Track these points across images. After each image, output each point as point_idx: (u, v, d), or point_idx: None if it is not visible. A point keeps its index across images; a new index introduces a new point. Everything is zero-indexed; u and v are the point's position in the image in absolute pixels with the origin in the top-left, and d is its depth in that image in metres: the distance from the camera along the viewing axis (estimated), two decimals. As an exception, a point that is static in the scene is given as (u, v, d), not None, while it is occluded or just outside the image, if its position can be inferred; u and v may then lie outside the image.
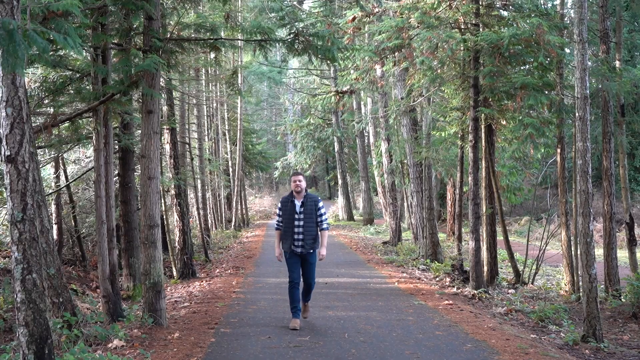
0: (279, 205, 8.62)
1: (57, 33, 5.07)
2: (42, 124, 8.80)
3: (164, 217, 15.24)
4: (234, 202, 28.92)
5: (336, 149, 34.52)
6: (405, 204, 25.24)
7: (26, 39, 4.52)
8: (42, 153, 13.42)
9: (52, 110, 10.55)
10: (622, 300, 11.38)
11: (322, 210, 8.50)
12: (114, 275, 9.21)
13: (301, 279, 8.62)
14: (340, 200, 37.52)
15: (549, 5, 15.41)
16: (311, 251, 8.41)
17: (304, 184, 8.48)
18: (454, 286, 12.55)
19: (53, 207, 14.73)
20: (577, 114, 8.52)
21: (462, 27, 12.68)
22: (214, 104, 27.59)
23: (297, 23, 9.64)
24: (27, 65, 8.96)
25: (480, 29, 12.35)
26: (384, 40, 12.88)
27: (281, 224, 8.56)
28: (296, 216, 8.37)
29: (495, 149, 14.49)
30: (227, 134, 31.01)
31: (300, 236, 8.33)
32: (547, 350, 7.36)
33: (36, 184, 5.34)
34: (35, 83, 10.34)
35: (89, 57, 9.77)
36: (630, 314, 10.40)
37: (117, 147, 12.51)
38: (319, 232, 8.48)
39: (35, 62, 8.20)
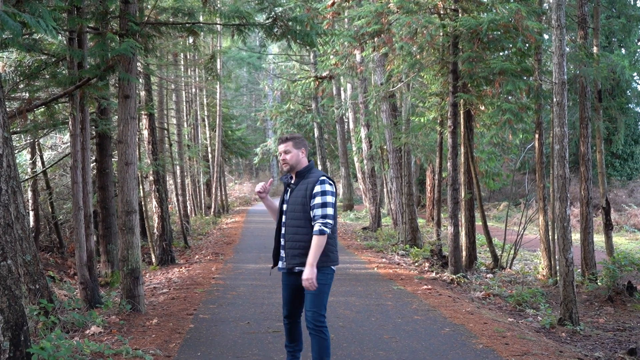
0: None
1: (30, 16, 4.98)
2: (17, 109, 8.68)
3: (143, 203, 15.14)
4: (214, 189, 28.83)
5: (316, 135, 34.44)
6: (385, 190, 25.32)
7: (-2, 21, 4.43)
8: (17, 138, 13.26)
9: (27, 95, 10.40)
10: (598, 284, 11.52)
11: (320, 199, 5.02)
12: (92, 261, 9.13)
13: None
14: (319, 186, 37.39)
15: (528, -9, 15.43)
16: (296, 270, 5.15)
17: (295, 156, 5.20)
18: (432, 271, 12.62)
19: (30, 194, 14.58)
20: (554, 100, 8.56)
21: (442, 12, 12.67)
22: (193, 90, 27.40)
23: (276, 8, 9.57)
24: (0, 49, 8.83)
25: (460, 14, 12.35)
26: (364, 25, 12.85)
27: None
28: (283, 208, 5.29)
29: (474, 135, 14.55)
30: (206, 119, 30.85)
31: (282, 241, 5.27)
32: (524, 334, 7.43)
33: (11, 169, 5.26)
34: (10, 67, 10.17)
35: (64, 41, 9.63)
36: (606, 297, 10.53)
37: (94, 132, 12.37)
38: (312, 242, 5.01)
39: (9, 45, 8.07)
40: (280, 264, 5.29)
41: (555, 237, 10.43)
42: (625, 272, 11.87)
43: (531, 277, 12.98)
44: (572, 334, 8.14)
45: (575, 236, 15.01)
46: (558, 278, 9.21)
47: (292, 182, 5.22)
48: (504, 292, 10.85)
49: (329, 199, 5.01)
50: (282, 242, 5.20)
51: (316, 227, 4.95)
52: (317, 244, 4.94)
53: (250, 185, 47.45)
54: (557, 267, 10.12)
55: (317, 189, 5.02)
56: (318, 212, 4.98)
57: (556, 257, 11.57)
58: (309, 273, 4.89)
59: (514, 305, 9.86)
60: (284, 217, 5.20)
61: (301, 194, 5.09)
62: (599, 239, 16.24)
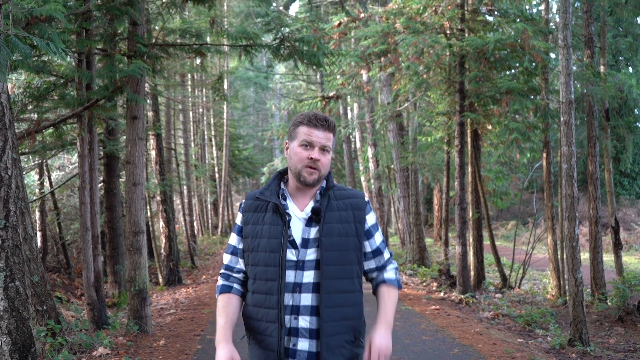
0: (239, 212, 3.07)
1: (39, 39, 5.02)
2: (26, 130, 8.72)
3: (150, 223, 15.15)
4: (221, 208, 28.85)
5: (323, 154, 34.47)
6: (392, 209, 25.27)
7: (8, 44, 4.46)
8: (25, 159, 13.31)
9: (35, 116, 10.46)
10: (608, 303, 11.42)
11: (379, 233, 3.06)
12: (99, 282, 9.12)
13: None
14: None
15: (534, 10, 15.48)
16: None
17: (329, 160, 2.94)
18: (441, 291, 12.55)
19: (37, 214, 14.60)
20: (562, 119, 8.54)
21: (448, 32, 12.72)
22: (200, 110, 27.52)
23: (283, 28, 9.63)
24: (10, 71, 8.88)
25: (466, 34, 12.40)
26: (370, 45, 12.89)
27: (236, 272, 3.03)
28: (289, 246, 2.84)
29: (482, 154, 14.54)
30: (213, 139, 30.94)
31: (291, 320, 2.82)
32: (533, 355, 7.36)
33: (19, 190, 5.27)
34: (19, 89, 10.24)
35: (73, 63, 9.70)
36: (616, 317, 10.44)
37: (101, 153, 12.42)
38: (379, 295, 3.06)
39: (18, 67, 8.12)
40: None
41: (564, 257, 10.36)
42: (635, 292, 11.75)
43: (540, 297, 12.89)
44: (582, 354, 8.05)
45: (585, 255, 14.92)
46: (567, 298, 9.14)
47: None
48: (513, 312, 10.77)
49: (379, 229, 3.08)
50: (298, 323, 2.80)
51: (391, 274, 3.04)
52: (395, 299, 3.05)
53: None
54: (567, 287, 10.04)
55: (371, 216, 2.99)
56: (386, 253, 3.06)
57: (565, 276, 11.49)
58: (385, 339, 2.87)
59: (523, 326, 9.78)
60: (290, 273, 2.81)
61: (343, 228, 2.88)
62: (608, 258, 16.12)
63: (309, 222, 2.87)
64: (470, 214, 13.21)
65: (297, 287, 2.81)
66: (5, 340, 5.11)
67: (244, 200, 3.06)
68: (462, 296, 11.70)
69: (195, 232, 24.16)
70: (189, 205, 23.44)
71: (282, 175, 3.08)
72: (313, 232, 2.85)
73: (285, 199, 2.95)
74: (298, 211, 2.91)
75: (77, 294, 13.06)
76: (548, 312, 10.60)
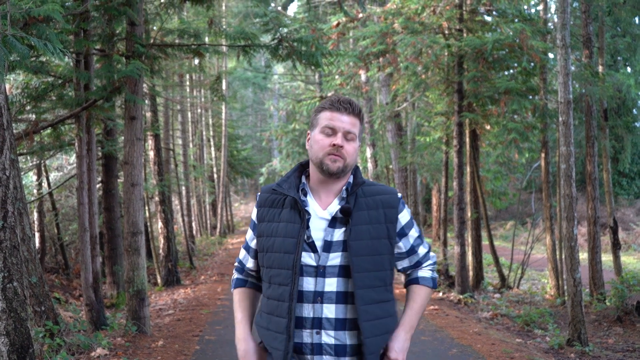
0: (254, 213, 2.76)
1: (37, 39, 5.01)
2: (24, 131, 8.71)
3: (148, 224, 15.13)
4: (219, 209, 28.81)
5: (321, 155, 34.44)
6: (390, 209, 25.22)
7: (6, 45, 4.46)
8: (23, 160, 13.29)
9: (33, 116, 10.45)
10: (607, 303, 11.42)
11: (416, 230, 2.73)
12: (97, 283, 9.11)
13: None
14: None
15: (533, 10, 15.50)
16: None
17: (357, 149, 2.62)
18: (439, 291, 12.55)
19: (35, 215, 14.58)
20: (560, 119, 8.54)
21: (446, 32, 12.72)
22: (199, 110, 27.50)
23: (281, 28, 9.61)
24: (8, 72, 8.88)
25: (464, 34, 12.41)
26: (368, 45, 12.90)
27: (248, 271, 2.86)
28: (307, 249, 2.53)
29: (480, 154, 14.54)
30: (211, 140, 30.92)
31: (331, 333, 2.51)
32: (532, 355, 7.36)
33: (17, 191, 5.26)
34: (17, 89, 10.23)
35: (71, 63, 9.69)
36: (615, 317, 10.44)
37: (100, 153, 12.40)
38: (409, 294, 2.77)
39: (16, 68, 8.12)
40: None
41: (563, 257, 10.37)
42: (634, 291, 11.76)
43: (539, 297, 12.89)
44: (581, 354, 8.05)
45: (583, 255, 14.92)
46: (566, 298, 9.14)
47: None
48: (511, 312, 10.77)
49: (417, 228, 2.77)
50: (321, 339, 2.50)
51: (425, 272, 2.75)
52: (425, 300, 2.75)
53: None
54: (565, 287, 10.04)
55: (405, 214, 2.66)
56: (422, 249, 2.73)
57: (564, 276, 11.49)
58: (403, 347, 2.63)
59: (522, 326, 9.78)
60: (310, 280, 2.51)
61: (374, 230, 2.55)
62: (606, 258, 16.13)
63: (333, 223, 2.53)
64: (469, 214, 13.21)
65: (319, 297, 2.48)
66: (3, 341, 5.10)
67: (259, 194, 2.75)
68: (461, 296, 11.70)
69: (194, 232, 24.15)
70: (187, 205, 23.43)
71: (303, 167, 2.73)
72: (337, 234, 2.52)
73: (305, 195, 2.61)
74: (320, 210, 2.58)
75: (75, 295, 13.04)
76: (547, 312, 10.60)
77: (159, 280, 14.42)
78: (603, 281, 12.17)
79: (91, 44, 8.76)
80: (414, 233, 2.70)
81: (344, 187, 2.60)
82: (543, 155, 13.22)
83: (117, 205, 12.56)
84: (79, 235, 8.97)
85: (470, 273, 13.08)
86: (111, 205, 12.50)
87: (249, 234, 2.79)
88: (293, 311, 2.47)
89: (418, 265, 2.75)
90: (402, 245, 2.67)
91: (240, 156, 36.81)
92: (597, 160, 12.18)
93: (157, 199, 15.29)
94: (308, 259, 2.50)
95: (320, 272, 2.49)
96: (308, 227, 2.53)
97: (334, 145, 2.50)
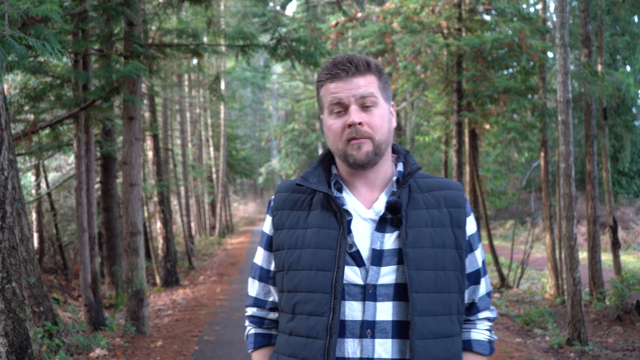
0: (267, 215, 2.02)
1: (35, 39, 4.99)
2: (22, 131, 8.70)
3: (147, 224, 15.11)
4: (218, 209, 28.79)
5: (320, 155, 34.45)
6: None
7: (4, 45, 4.44)
8: (22, 160, 13.27)
9: (32, 117, 10.43)
10: (607, 303, 11.42)
11: (480, 253, 1.97)
12: (96, 283, 9.09)
13: None
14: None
15: (532, 9, 15.49)
16: None
17: (385, 115, 1.87)
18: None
19: (34, 215, 14.55)
20: (559, 118, 8.53)
21: (445, 31, 12.72)
22: (197, 110, 27.48)
23: (280, 28, 9.62)
24: (6, 72, 8.85)
25: (463, 34, 12.40)
26: (367, 45, 12.90)
27: (272, 311, 2.02)
28: (350, 262, 1.80)
29: (479, 153, 14.53)
30: (210, 140, 30.90)
31: None
32: (532, 354, 7.35)
33: (16, 191, 5.25)
34: (15, 89, 10.21)
35: (69, 63, 9.67)
36: (615, 316, 10.43)
37: (98, 153, 12.38)
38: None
39: (14, 68, 8.09)
40: None
41: (563, 256, 10.36)
42: (633, 291, 11.75)
43: (539, 296, 12.88)
44: (580, 354, 8.05)
45: (583, 255, 14.91)
46: (566, 297, 9.13)
47: (395, 196, 1.88)
48: (511, 311, 10.76)
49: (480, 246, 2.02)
50: None
51: (481, 334, 2.00)
52: None
53: (254, 205, 47.41)
54: (565, 286, 10.04)
55: (472, 220, 1.96)
56: (483, 285, 1.99)
57: (564, 276, 11.48)
58: None
59: (522, 325, 9.77)
60: (355, 305, 1.79)
61: (437, 235, 1.86)
62: (606, 257, 16.13)
63: (382, 226, 1.83)
64: (468, 214, 13.20)
65: (369, 330, 1.76)
66: (1, 341, 5.08)
67: (273, 197, 2.03)
68: (460, 296, 11.70)
69: (193, 232, 24.13)
70: (186, 205, 23.40)
71: (332, 155, 1.98)
72: (389, 240, 1.82)
73: (340, 190, 1.91)
74: (362, 208, 1.88)
75: (74, 295, 13.02)
76: (546, 312, 10.59)
77: (157, 281, 14.40)
78: (603, 280, 12.16)
79: (89, 44, 8.75)
80: (480, 253, 1.98)
81: (394, 178, 1.91)
82: (542, 154, 13.21)
83: (115, 206, 12.54)
84: (78, 236, 8.95)
85: (470, 272, 13.07)
86: (110, 206, 12.48)
87: (260, 254, 2.03)
88: (332, 351, 1.75)
89: (472, 309, 1.97)
90: (468, 264, 1.93)
91: (239, 156, 36.80)
92: (596, 159, 12.17)
93: (155, 199, 15.27)
94: (353, 275, 1.79)
95: (369, 294, 1.77)
96: (350, 231, 1.83)
97: (350, 125, 1.81)
